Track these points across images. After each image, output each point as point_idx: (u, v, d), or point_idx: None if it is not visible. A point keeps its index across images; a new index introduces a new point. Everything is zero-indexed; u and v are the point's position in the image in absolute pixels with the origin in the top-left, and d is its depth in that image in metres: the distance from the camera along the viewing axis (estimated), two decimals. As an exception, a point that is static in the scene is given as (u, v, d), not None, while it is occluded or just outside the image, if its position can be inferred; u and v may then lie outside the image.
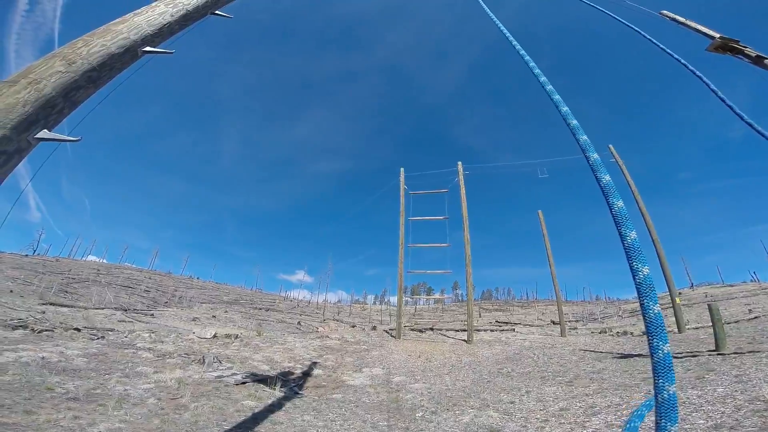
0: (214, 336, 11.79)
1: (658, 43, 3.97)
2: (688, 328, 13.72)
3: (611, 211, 1.09)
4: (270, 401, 6.03)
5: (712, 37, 7.06)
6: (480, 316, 40.09)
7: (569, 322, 30.25)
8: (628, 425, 0.99)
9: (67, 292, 26.57)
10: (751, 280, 43.60)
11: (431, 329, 21.41)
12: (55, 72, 2.05)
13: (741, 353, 7.15)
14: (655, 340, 0.89)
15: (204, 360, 8.02)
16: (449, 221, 20.22)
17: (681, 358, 7.97)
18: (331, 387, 7.63)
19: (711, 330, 9.03)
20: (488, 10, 3.50)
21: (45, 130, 2.01)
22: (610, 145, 18.37)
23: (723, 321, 11.48)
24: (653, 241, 15.19)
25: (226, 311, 28.94)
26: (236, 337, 12.30)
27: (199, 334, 11.63)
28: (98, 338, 9.12)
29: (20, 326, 8.88)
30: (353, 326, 23.38)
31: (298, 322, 26.86)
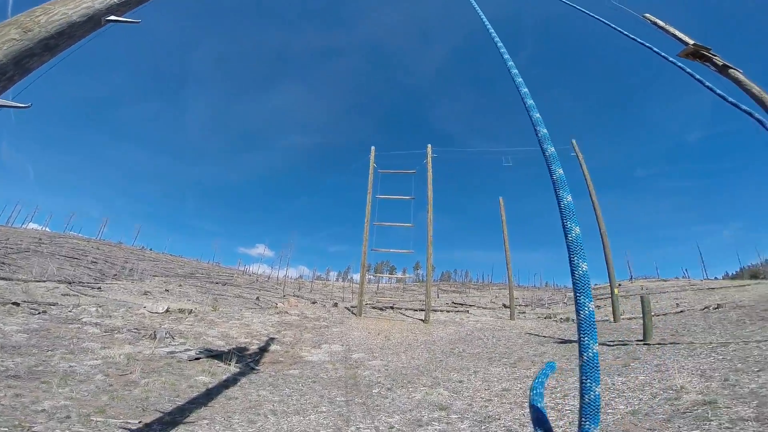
0: (167, 311, 11.42)
1: (644, 42, 4.15)
2: (623, 318, 14.77)
3: (559, 205, 1.10)
4: (225, 377, 6.02)
5: (687, 44, 7.48)
6: (438, 297, 41.54)
7: (519, 306, 32.06)
8: (533, 391, 0.93)
9: (3, 263, 24.36)
10: (683, 277, 48.15)
11: (391, 308, 21.95)
12: (9, 40, 1.97)
13: (663, 344, 7.86)
14: (585, 338, 0.85)
15: (155, 335, 7.79)
16: (415, 202, 20.69)
17: (612, 345, 8.66)
18: (289, 363, 7.72)
19: (642, 321, 9.59)
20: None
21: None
22: (573, 140, 19.23)
23: (652, 313, 12.51)
24: (601, 233, 16.27)
25: (180, 285, 27.98)
26: (190, 311, 11.99)
27: (150, 309, 11.21)
28: (39, 313, 8.54)
29: (-54, 297, 8.12)
30: (314, 302, 23.45)
31: (257, 298, 26.53)
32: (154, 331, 8.06)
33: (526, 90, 1.82)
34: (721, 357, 5.78)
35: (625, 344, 8.63)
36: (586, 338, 0.87)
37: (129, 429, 3.62)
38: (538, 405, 1.00)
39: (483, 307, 29.08)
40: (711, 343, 7.09)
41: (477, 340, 11.60)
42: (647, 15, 8.48)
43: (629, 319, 14.48)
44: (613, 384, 5.26)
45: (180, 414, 4.23)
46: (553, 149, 1.33)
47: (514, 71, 2.10)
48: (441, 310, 22.60)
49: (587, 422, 0.77)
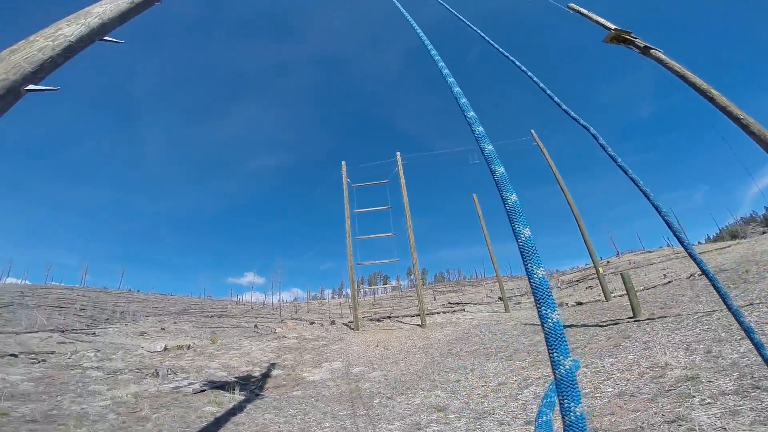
0: (165, 348, 11.47)
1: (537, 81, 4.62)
2: (614, 296, 14.77)
3: (505, 205, 1.03)
4: (231, 405, 6.21)
5: (609, 29, 8.04)
6: (435, 299, 41.61)
7: (514, 296, 32.33)
8: (539, 419, 1.06)
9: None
10: (667, 245, 48.81)
11: (389, 317, 22.10)
12: None
13: (653, 319, 7.82)
14: (543, 308, 0.78)
15: (158, 373, 7.93)
16: (392, 210, 20.94)
17: (605, 326, 8.67)
18: (291, 385, 7.93)
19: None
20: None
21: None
22: (532, 130, 19.85)
23: (642, 287, 12.48)
24: (575, 216, 16.77)
25: (175, 322, 27.59)
26: (189, 347, 12.05)
27: (148, 348, 11.25)
28: (39, 362, 8.57)
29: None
30: (312, 323, 23.45)
31: (255, 325, 26.36)
32: (156, 369, 8.19)
33: (458, 89, 2.03)
34: (706, 327, 5.70)
35: (617, 323, 8.63)
36: (543, 308, 0.77)
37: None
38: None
39: (479, 303, 29.33)
40: (697, 313, 7.00)
41: (474, 337, 11.82)
42: (571, 5, 9.10)
43: (620, 296, 14.39)
44: (603, 367, 5.26)
45: (192, 444, 4.46)
46: (491, 147, 1.27)
47: (446, 71, 2.37)
48: (437, 312, 22.83)
49: (567, 401, 0.69)
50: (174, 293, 65.64)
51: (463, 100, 1.69)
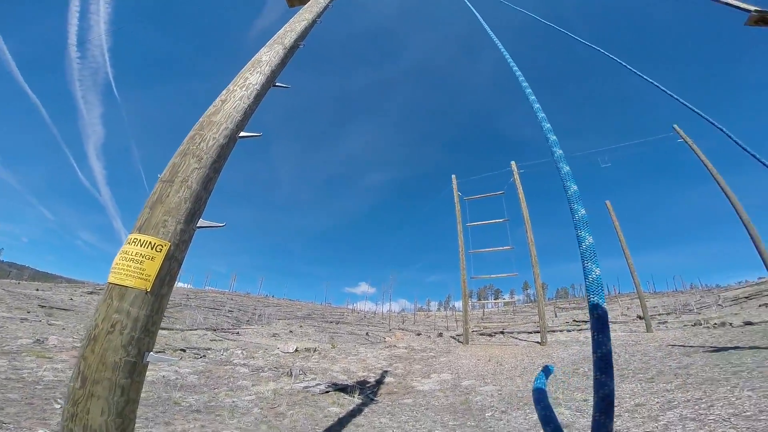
0: (296, 350, 12.91)
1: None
2: None
3: (573, 217, 1.29)
4: (351, 407, 6.67)
5: (748, 11, 6.77)
6: (556, 316, 37.99)
7: (659, 315, 27.70)
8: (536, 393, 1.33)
9: (165, 316, 30.46)
10: None
11: (501, 333, 20.95)
12: (194, 169, 2.36)
13: None
14: (593, 297, 1.04)
15: (291, 372, 8.98)
16: (510, 222, 19.87)
17: None
18: (402, 393, 8.12)
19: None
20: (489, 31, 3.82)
21: (202, 219, 2.38)
22: (675, 125, 16.89)
23: None
24: (743, 221, 13.56)
25: (300, 326, 30.84)
26: (314, 350, 13.34)
27: (282, 349, 12.83)
28: (201, 357, 10.56)
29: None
30: (419, 334, 23.63)
31: (366, 333, 27.78)
32: (290, 369, 9.29)
33: (549, 126, 2.05)
34: None
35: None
36: (599, 336, 1.08)
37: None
38: (544, 403, 1.20)
39: (612, 322, 25.77)
40: None
41: (604, 358, 10.54)
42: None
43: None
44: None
45: (321, 439, 4.94)
46: (575, 187, 1.51)
47: (536, 106, 2.32)
48: (560, 330, 20.83)
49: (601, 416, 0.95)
50: (301, 299, 73.93)
51: (553, 137, 1.90)
